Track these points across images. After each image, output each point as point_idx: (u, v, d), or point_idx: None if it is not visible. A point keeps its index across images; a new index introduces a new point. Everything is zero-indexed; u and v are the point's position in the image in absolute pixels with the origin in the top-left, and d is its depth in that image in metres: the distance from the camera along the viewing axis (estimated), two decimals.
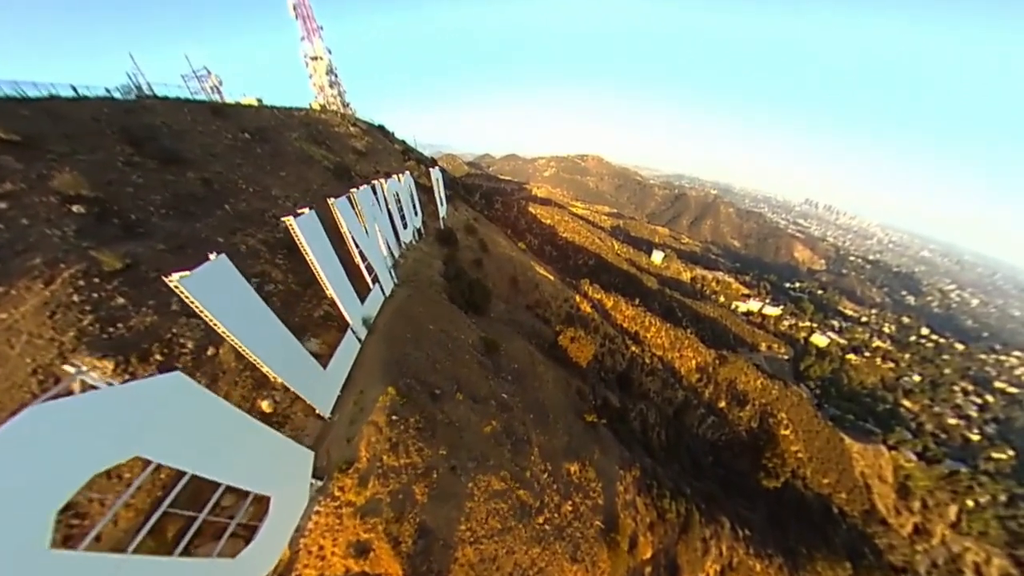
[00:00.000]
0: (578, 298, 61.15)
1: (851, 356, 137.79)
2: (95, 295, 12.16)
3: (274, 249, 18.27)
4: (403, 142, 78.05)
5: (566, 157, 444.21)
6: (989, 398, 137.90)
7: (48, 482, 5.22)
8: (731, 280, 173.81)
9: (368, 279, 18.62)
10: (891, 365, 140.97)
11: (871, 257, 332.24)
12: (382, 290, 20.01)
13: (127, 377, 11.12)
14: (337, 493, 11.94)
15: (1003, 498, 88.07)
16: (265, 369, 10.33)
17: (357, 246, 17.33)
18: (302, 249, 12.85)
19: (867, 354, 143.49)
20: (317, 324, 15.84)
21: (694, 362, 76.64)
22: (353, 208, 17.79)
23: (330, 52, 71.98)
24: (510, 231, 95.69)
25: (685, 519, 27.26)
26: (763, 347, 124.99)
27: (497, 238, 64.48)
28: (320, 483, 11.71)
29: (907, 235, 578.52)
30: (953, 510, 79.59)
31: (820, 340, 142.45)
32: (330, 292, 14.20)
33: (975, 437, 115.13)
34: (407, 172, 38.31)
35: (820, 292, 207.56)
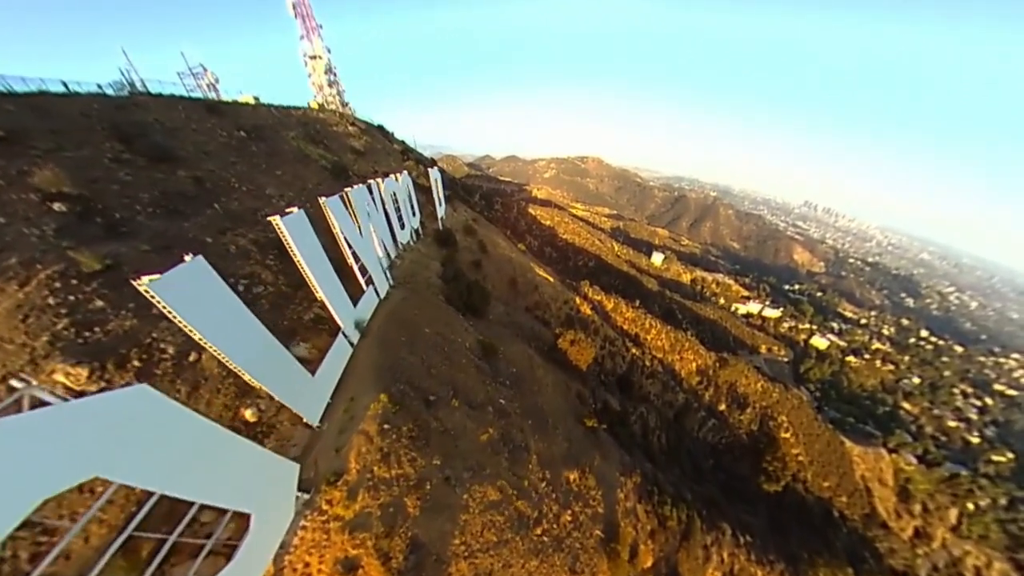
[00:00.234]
0: (578, 300, 60.58)
1: (851, 358, 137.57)
2: (72, 297, 11.59)
3: (265, 249, 17.71)
4: (402, 142, 77.55)
5: (566, 159, 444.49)
6: (988, 401, 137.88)
7: None
8: (731, 282, 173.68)
9: (361, 281, 18.05)
10: (891, 367, 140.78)
11: (870, 259, 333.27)
12: (376, 292, 19.44)
13: (103, 385, 10.55)
14: (324, 507, 11.36)
15: (1003, 501, 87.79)
16: (247, 377, 9.76)
17: (350, 246, 16.78)
18: (289, 249, 12.29)
19: (867, 356, 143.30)
20: (307, 327, 15.27)
21: (694, 365, 76.11)
22: (347, 207, 17.23)
23: (329, 51, 71.56)
24: (510, 232, 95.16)
25: (686, 526, 26.71)
26: (763, 349, 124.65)
27: (496, 239, 63.93)
28: (307, 496, 11.12)
29: (906, 237, 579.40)
30: (954, 513, 79.20)
31: (820, 342, 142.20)
32: (319, 295, 13.64)
33: (975, 440, 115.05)
34: (405, 172, 37.78)
35: (819, 294, 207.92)
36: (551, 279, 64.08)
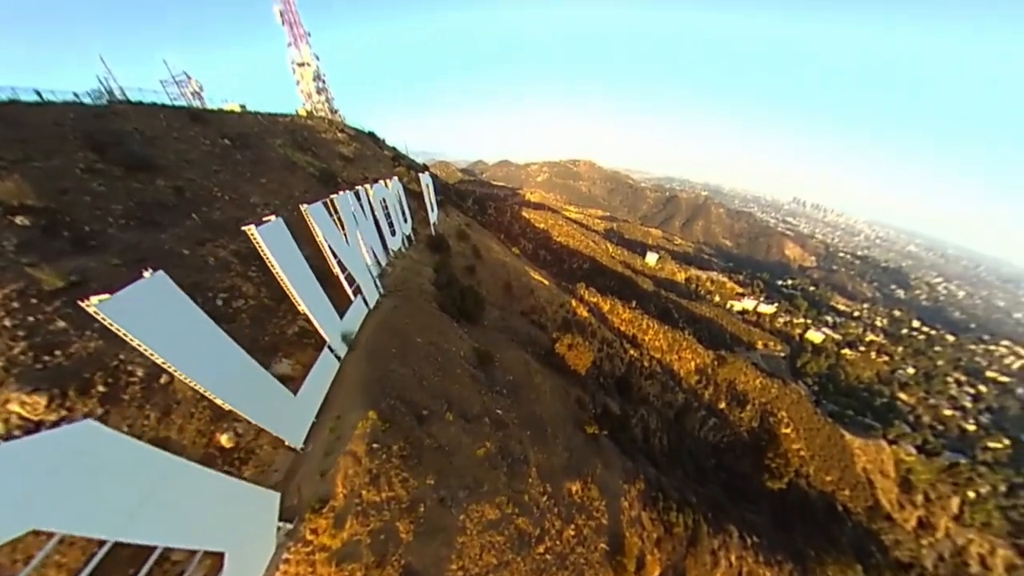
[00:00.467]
0: (574, 303, 60.06)
1: (846, 351, 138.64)
2: (31, 319, 10.73)
3: (247, 260, 16.90)
4: (393, 148, 77.00)
5: (558, 162, 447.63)
6: (982, 388, 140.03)
7: None
8: (725, 280, 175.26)
9: (349, 291, 17.29)
10: (885, 359, 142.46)
11: (859, 253, 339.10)
12: (365, 302, 18.67)
13: (63, 414, 9.70)
14: (309, 536, 10.54)
15: (1003, 488, 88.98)
16: (218, 401, 8.98)
17: (335, 255, 16.04)
18: (267, 261, 11.55)
19: (862, 349, 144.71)
20: (291, 342, 14.47)
21: (693, 364, 75.79)
22: (332, 215, 16.51)
23: (318, 58, 71.16)
24: (504, 236, 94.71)
25: (693, 531, 26.10)
26: (760, 345, 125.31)
27: (490, 243, 63.32)
28: (289, 526, 10.31)
29: (893, 231, 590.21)
30: (955, 502, 79.78)
31: (815, 336, 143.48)
32: (302, 307, 12.88)
33: (971, 427, 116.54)
34: (395, 178, 37.13)
35: (812, 288, 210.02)
36: (546, 282, 63.51)
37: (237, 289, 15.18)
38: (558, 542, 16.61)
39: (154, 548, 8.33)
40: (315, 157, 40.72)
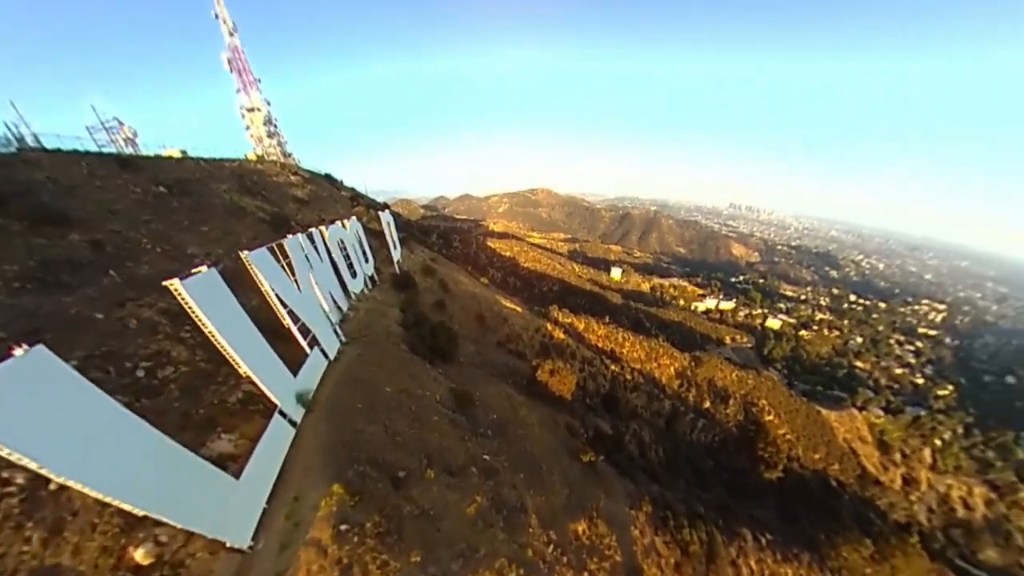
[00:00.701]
0: (549, 326, 59.38)
1: (803, 332, 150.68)
2: None
3: (179, 319, 14.57)
4: (352, 189, 75.59)
5: (518, 192, 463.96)
6: (919, 344, 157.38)
7: None
8: (685, 284, 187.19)
9: (304, 343, 15.28)
10: (837, 333, 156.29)
11: (793, 244, 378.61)
12: (324, 353, 16.62)
13: None
14: None
15: (960, 430, 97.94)
16: (127, 507, 6.88)
17: (285, 305, 14.19)
18: (196, 319, 9.70)
19: (815, 328, 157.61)
20: (233, 412, 12.21)
21: (672, 369, 76.81)
22: (280, 260, 14.77)
23: (269, 103, 70.31)
24: (471, 268, 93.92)
25: (709, 546, 25.08)
26: (728, 340, 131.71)
27: (458, 276, 62.09)
28: None
29: (816, 220, 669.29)
30: (927, 453, 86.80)
31: (774, 323, 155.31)
32: (243, 369, 10.90)
33: (920, 381, 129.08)
34: (354, 217, 35.61)
35: (761, 281, 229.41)
36: (519, 309, 62.66)
37: (165, 355, 12.85)
38: None
39: None
40: (266, 201, 38.52)
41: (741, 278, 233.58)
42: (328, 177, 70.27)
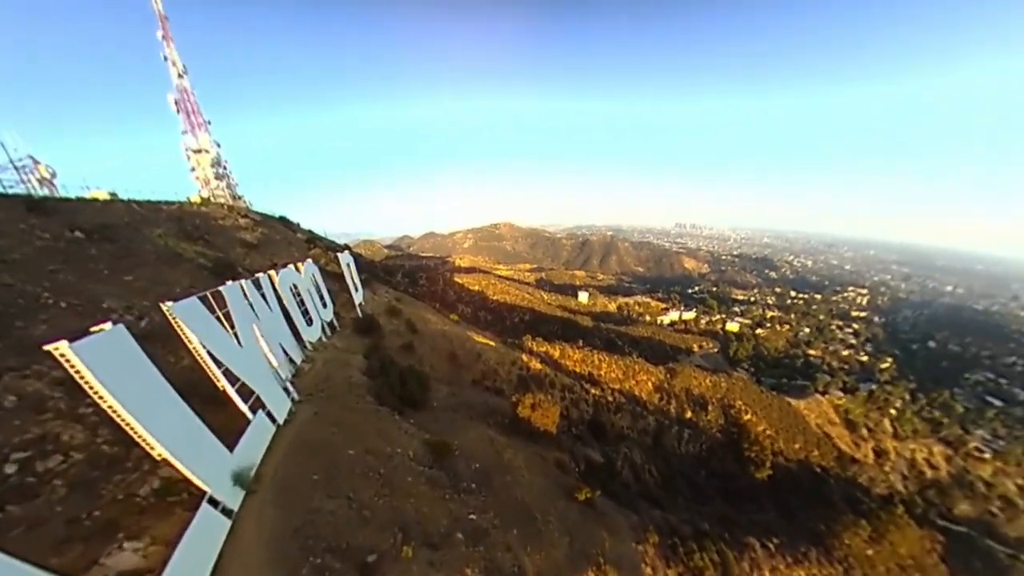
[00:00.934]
0: (525, 357, 57.71)
1: (759, 331, 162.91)
2: None
3: (77, 392, 11.79)
4: (309, 231, 72.48)
5: (481, 227, 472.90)
6: (855, 325, 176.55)
7: None
8: (649, 300, 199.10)
9: (244, 407, 12.82)
10: (787, 328, 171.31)
11: (735, 253, 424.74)
12: (271, 417, 14.08)
13: None
14: None
15: (908, 397, 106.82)
16: None
17: (220, 364, 11.92)
18: (90, 391, 7.54)
19: (768, 325, 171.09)
20: (144, 510, 9.53)
21: (650, 384, 76.94)
22: (215, 311, 12.62)
23: (218, 145, 67.73)
24: (439, 305, 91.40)
25: (722, 565, 23.45)
26: (696, 348, 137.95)
27: (426, 315, 59.64)
28: None
29: (750, 231, 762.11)
30: (887, 423, 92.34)
31: (733, 327, 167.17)
32: (158, 451, 8.59)
33: (864, 359, 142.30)
34: (309, 260, 33.25)
35: (714, 289, 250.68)
36: (493, 343, 60.72)
37: (52, 440, 10.06)
38: None
39: None
40: (208, 246, 35.31)
41: (696, 289, 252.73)
42: (283, 219, 67.02)
